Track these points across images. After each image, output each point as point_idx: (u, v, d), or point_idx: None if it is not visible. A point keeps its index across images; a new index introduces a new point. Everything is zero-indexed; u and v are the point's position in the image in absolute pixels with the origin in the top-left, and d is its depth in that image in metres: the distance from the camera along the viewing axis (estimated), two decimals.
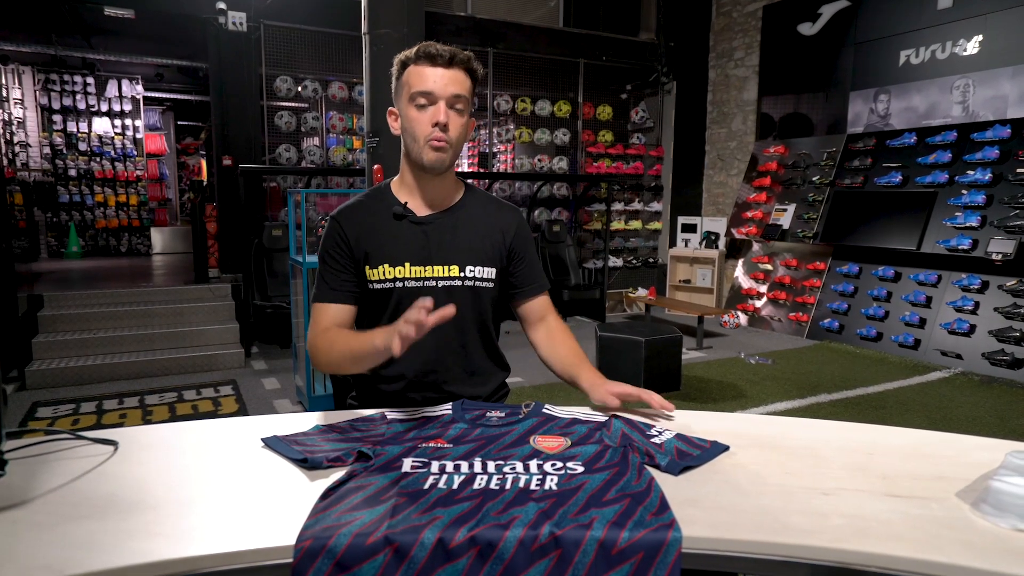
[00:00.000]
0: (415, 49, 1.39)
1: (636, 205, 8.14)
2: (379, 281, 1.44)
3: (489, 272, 1.48)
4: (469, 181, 1.61)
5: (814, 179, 6.76)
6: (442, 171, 1.42)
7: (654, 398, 1.31)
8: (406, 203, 1.47)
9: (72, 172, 9.21)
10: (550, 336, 1.55)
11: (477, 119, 7.18)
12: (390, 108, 1.48)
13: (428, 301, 1.13)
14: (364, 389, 1.53)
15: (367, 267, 1.44)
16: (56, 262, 8.34)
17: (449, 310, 1.15)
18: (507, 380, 1.62)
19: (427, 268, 1.44)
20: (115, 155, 9.50)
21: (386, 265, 1.43)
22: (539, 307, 1.57)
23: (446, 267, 1.44)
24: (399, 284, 1.43)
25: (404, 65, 1.41)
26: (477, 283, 1.47)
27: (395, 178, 1.53)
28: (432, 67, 1.36)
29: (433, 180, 1.45)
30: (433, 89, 1.36)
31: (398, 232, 1.45)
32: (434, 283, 1.44)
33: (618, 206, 8.01)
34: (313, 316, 1.47)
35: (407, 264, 1.43)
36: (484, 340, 1.53)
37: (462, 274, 1.45)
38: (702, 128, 8.22)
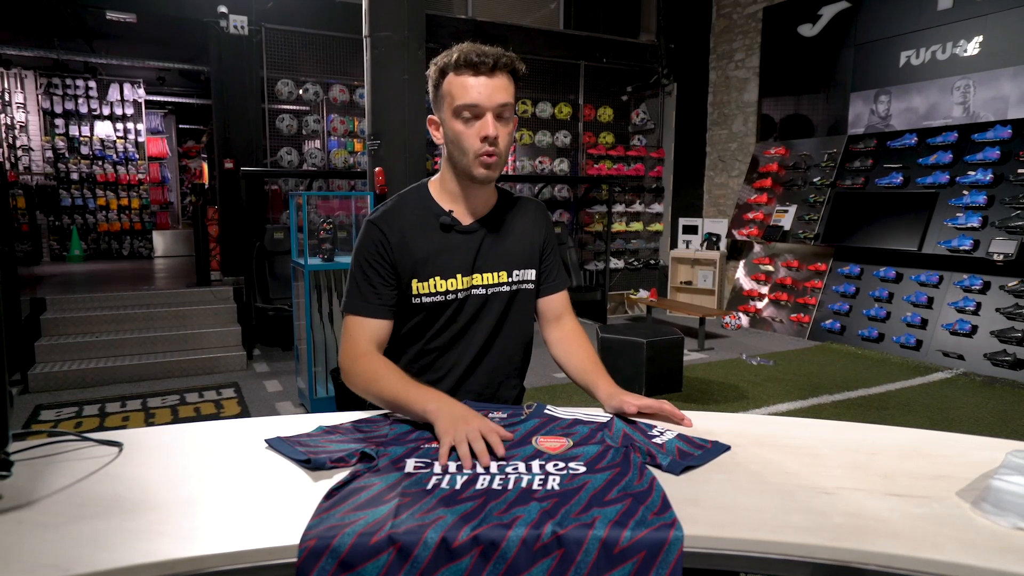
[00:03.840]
0: (455, 55, 1.29)
1: (637, 207, 8.14)
2: (429, 294, 1.38)
3: (531, 274, 1.48)
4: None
5: (815, 180, 6.76)
6: (491, 183, 1.40)
7: (674, 411, 1.30)
8: (451, 211, 1.42)
9: (74, 176, 9.24)
10: (566, 338, 1.52)
11: None
12: (430, 116, 1.40)
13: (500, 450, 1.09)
14: None
15: (415, 280, 1.37)
16: (58, 265, 8.36)
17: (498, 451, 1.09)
18: None
19: (475, 276, 1.41)
20: (117, 159, 9.52)
21: (437, 278, 1.38)
22: (557, 304, 1.54)
23: (495, 274, 1.43)
24: (451, 296, 1.39)
25: (443, 73, 1.32)
26: (523, 286, 1.47)
27: (433, 180, 1.46)
28: (475, 76, 1.28)
29: (479, 189, 1.42)
30: (479, 101, 1.28)
31: (447, 243, 1.40)
32: (483, 291, 1.42)
33: (619, 208, 8.02)
34: (349, 329, 1.37)
35: (459, 275, 1.39)
36: (525, 341, 1.53)
37: (510, 279, 1.44)
38: (703, 130, 8.23)
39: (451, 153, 1.37)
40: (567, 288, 1.58)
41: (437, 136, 1.39)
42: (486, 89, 1.28)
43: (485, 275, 1.42)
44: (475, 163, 1.32)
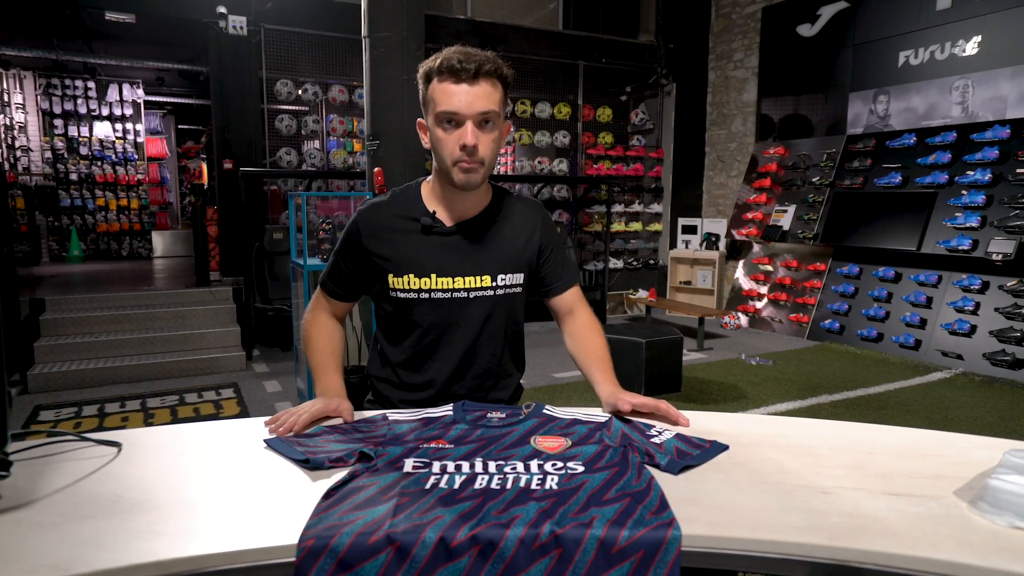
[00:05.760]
0: (438, 61, 1.29)
1: (636, 207, 8.14)
2: (403, 290, 1.41)
3: (518, 278, 1.47)
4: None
5: (814, 180, 6.77)
6: (474, 189, 1.38)
7: (671, 411, 1.29)
8: (434, 212, 1.42)
9: (73, 176, 9.23)
10: (578, 332, 1.53)
11: None
12: (419, 120, 1.41)
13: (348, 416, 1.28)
14: (383, 394, 1.53)
15: (390, 275, 1.41)
16: (58, 266, 8.35)
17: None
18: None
19: (456, 279, 1.41)
20: (116, 159, 9.52)
21: (411, 275, 1.40)
22: (569, 300, 1.55)
23: (478, 277, 1.42)
24: (424, 295, 1.41)
25: (428, 78, 1.33)
26: (508, 290, 1.46)
27: (426, 180, 1.48)
28: (456, 84, 1.28)
29: (464, 194, 1.41)
30: (459, 109, 1.28)
31: (425, 242, 1.41)
32: (465, 294, 1.42)
33: (618, 208, 8.02)
34: (315, 296, 1.54)
35: (433, 275, 1.40)
36: (513, 343, 1.53)
37: (494, 283, 1.43)
38: (702, 130, 8.23)
39: (437, 161, 1.38)
40: (577, 283, 1.59)
41: (425, 140, 1.40)
42: (467, 97, 1.28)
43: (467, 278, 1.42)
44: (454, 170, 1.33)
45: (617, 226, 8.02)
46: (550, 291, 1.54)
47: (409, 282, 1.40)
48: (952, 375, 5.14)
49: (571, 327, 1.54)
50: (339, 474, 1.04)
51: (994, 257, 5.13)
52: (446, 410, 1.29)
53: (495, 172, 7.72)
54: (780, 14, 7.26)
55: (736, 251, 7.75)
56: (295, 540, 0.84)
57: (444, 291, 1.41)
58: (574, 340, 1.53)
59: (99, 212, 9.42)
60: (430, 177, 1.47)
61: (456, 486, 0.98)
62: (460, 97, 1.28)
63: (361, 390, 1.61)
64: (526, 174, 7.56)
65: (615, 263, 8.01)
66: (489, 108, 1.29)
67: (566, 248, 7.14)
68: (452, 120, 1.30)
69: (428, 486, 0.98)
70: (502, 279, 1.44)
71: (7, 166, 8.57)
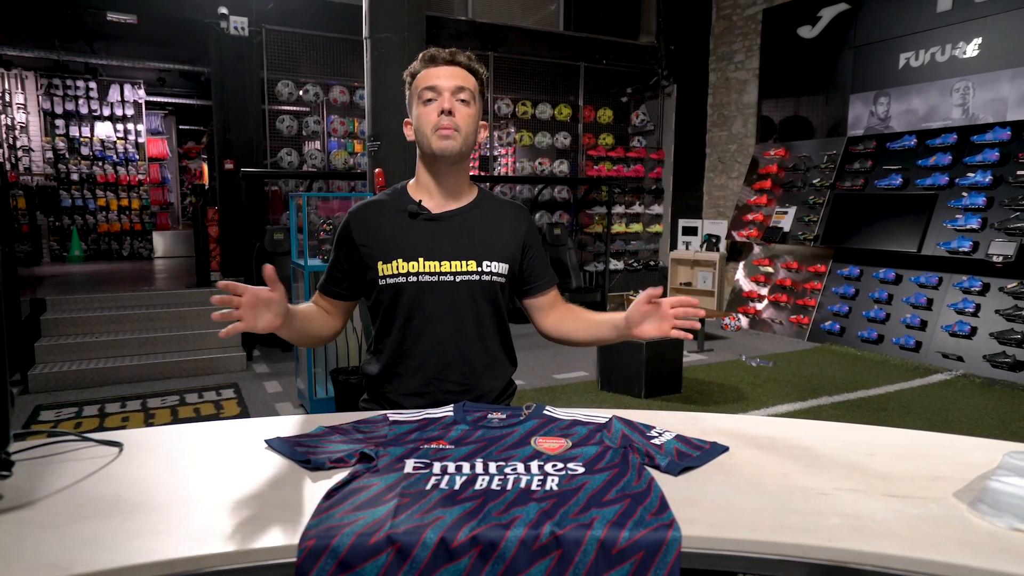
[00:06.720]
0: (419, 57, 1.48)
1: (637, 208, 8.15)
2: (392, 276, 1.46)
3: (503, 267, 1.51)
4: (482, 185, 1.63)
5: (814, 182, 6.77)
6: (452, 160, 1.45)
7: (688, 300, 1.38)
8: (420, 201, 1.50)
9: (74, 176, 9.24)
10: (564, 317, 1.58)
11: None
12: (406, 119, 1.52)
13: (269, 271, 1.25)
14: (377, 390, 1.54)
15: (380, 263, 1.46)
16: (58, 266, 8.36)
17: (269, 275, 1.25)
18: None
19: (443, 263, 1.46)
20: (117, 159, 9.52)
21: (400, 260, 1.45)
22: (551, 297, 1.60)
23: (463, 262, 1.47)
24: (412, 279, 1.45)
25: (413, 75, 1.48)
26: (494, 278, 1.49)
27: (411, 180, 1.56)
28: (435, 66, 1.45)
29: (447, 173, 1.48)
30: (436, 83, 1.43)
31: (412, 227, 1.48)
32: (451, 277, 1.46)
33: (619, 209, 8.03)
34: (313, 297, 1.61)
35: (421, 259, 1.45)
36: (500, 332, 1.56)
37: (479, 269, 1.48)
38: (702, 131, 8.23)
39: (418, 140, 1.49)
40: (556, 284, 1.63)
41: (409, 134, 1.52)
42: (443, 74, 1.44)
43: (453, 262, 1.46)
44: (433, 137, 1.43)
45: (617, 227, 8.02)
46: (531, 289, 1.58)
47: (397, 267, 1.45)
48: (952, 377, 5.14)
49: (554, 318, 1.59)
50: (340, 474, 1.04)
51: (994, 259, 5.13)
52: (447, 411, 1.29)
53: (496, 173, 7.66)
54: (781, 16, 7.26)
55: (736, 252, 7.75)
56: (296, 540, 0.85)
57: (431, 274, 1.45)
58: (564, 325, 1.58)
59: (100, 212, 9.42)
60: (415, 179, 1.56)
61: (457, 487, 0.98)
62: (438, 74, 1.45)
63: (360, 390, 1.61)
64: (527, 175, 7.56)
65: (615, 264, 8.01)
66: (463, 85, 1.44)
67: (565, 251, 7.19)
68: (431, 93, 1.43)
69: (429, 487, 0.98)
70: (487, 265, 1.48)
71: (8, 166, 8.57)
